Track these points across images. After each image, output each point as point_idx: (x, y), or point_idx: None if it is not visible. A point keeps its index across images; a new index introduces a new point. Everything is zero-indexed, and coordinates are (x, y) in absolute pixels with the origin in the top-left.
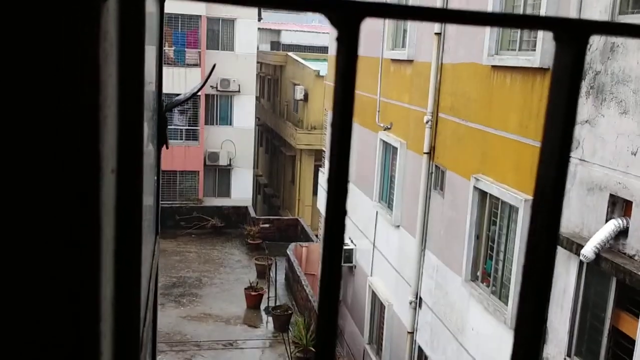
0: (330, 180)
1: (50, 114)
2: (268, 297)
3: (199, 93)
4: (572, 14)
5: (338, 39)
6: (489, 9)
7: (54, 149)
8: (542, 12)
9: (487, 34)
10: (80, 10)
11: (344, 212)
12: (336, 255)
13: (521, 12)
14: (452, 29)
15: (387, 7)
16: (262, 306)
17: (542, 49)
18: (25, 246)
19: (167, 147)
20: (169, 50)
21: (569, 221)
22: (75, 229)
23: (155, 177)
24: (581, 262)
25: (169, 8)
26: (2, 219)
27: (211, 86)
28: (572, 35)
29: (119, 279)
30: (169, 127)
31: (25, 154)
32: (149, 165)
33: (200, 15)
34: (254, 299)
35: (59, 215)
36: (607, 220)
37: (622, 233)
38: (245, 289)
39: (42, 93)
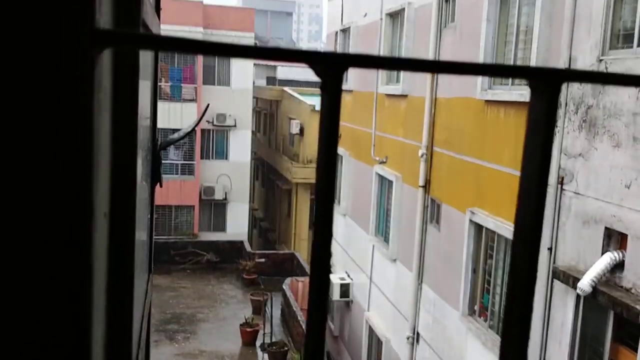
0: (316, 227)
1: (43, 163)
2: (264, 333)
3: (195, 128)
4: (564, 49)
5: (321, 88)
6: (481, 49)
7: (46, 196)
8: (534, 48)
9: None
10: (75, 62)
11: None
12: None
13: (513, 48)
14: None
15: (367, 58)
16: (258, 342)
17: None
18: (16, 290)
19: (160, 186)
20: (165, 86)
21: (565, 254)
22: (67, 273)
23: (149, 216)
24: (578, 296)
25: None
26: None
27: (207, 121)
28: (546, 84)
29: (111, 322)
30: (164, 161)
31: (18, 201)
32: (142, 204)
33: None
34: (249, 335)
35: (50, 260)
36: (602, 253)
37: (618, 266)
38: (240, 325)
39: (36, 142)
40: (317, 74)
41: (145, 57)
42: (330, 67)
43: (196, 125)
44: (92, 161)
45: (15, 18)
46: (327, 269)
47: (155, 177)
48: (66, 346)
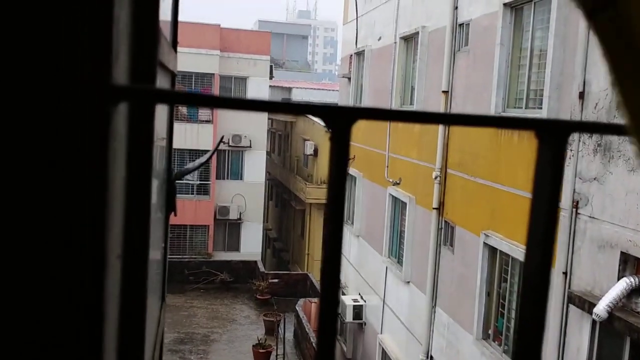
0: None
1: (58, 211)
2: (277, 355)
3: (211, 149)
4: (578, 73)
5: (331, 139)
6: (495, 72)
7: (61, 241)
8: (548, 71)
9: (494, 90)
10: (91, 118)
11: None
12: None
13: (526, 72)
14: (459, 86)
15: (373, 111)
16: None
17: (548, 106)
18: (26, 337)
19: (175, 215)
20: (182, 107)
21: (580, 279)
22: (79, 317)
23: (163, 244)
24: (594, 321)
25: (182, 66)
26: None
27: (223, 142)
28: (552, 134)
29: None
30: (180, 181)
31: (32, 248)
32: (156, 236)
33: (214, 74)
34: (262, 357)
35: (61, 303)
36: (619, 278)
37: (635, 291)
38: (253, 346)
39: (51, 195)
40: (327, 126)
41: (165, 82)
42: (340, 119)
43: (210, 157)
44: (106, 210)
45: (32, 75)
46: (336, 297)
47: (170, 207)
48: None
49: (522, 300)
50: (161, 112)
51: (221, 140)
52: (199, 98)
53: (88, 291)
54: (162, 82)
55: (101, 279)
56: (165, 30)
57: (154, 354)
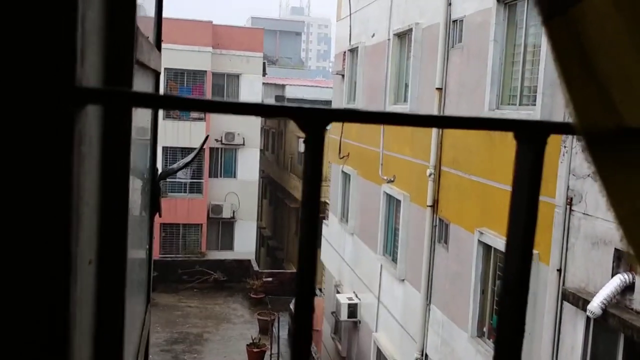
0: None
1: (18, 215)
2: (271, 354)
3: (204, 147)
4: None
5: (305, 141)
6: (488, 69)
7: (22, 246)
8: (541, 67)
9: (488, 87)
10: (54, 120)
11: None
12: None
13: (520, 68)
14: (453, 83)
15: (348, 112)
16: None
17: (542, 103)
18: None
19: (160, 216)
20: None
21: (575, 276)
22: (45, 322)
23: (148, 246)
24: (588, 318)
25: (174, 64)
26: None
27: (216, 139)
28: (531, 136)
29: None
30: (173, 180)
31: None
32: (139, 237)
33: (206, 71)
34: (256, 356)
35: (27, 308)
36: (613, 275)
37: (629, 288)
38: (247, 345)
39: (10, 196)
40: (301, 128)
41: (146, 81)
42: (314, 121)
43: (195, 156)
44: (71, 213)
45: None
46: (311, 300)
47: (154, 208)
48: None
49: (500, 302)
50: (144, 112)
51: (206, 139)
52: (170, 100)
53: (53, 297)
54: (143, 82)
55: (66, 284)
56: (148, 29)
57: (137, 357)
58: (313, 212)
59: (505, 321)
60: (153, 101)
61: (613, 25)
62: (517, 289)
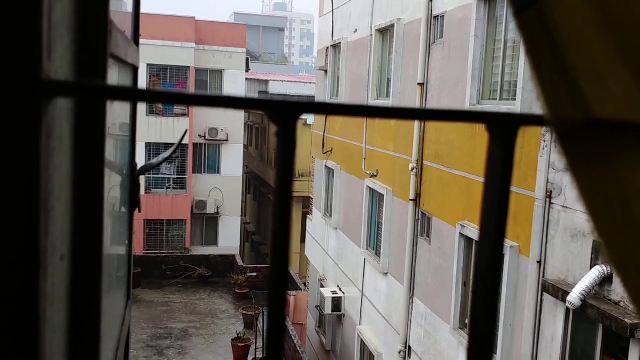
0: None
1: None
2: (255, 348)
3: (187, 143)
4: None
5: (277, 134)
6: (469, 64)
7: None
8: (522, 62)
9: (469, 82)
10: (19, 113)
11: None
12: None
13: (501, 63)
14: (435, 79)
15: (319, 105)
16: (250, 358)
17: (522, 98)
18: None
19: (139, 211)
20: None
21: (554, 268)
22: (12, 318)
23: (127, 242)
24: (568, 309)
25: (157, 59)
26: None
27: (199, 135)
28: (503, 127)
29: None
30: (157, 175)
31: None
32: (117, 233)
33: (189, 67)
34: (241, 351)
35: None
36: (591, 267)
37: (607, 279)
38: (232, 340)
39: None
40: (272, 120)
41: (124, 76)
42: (284, 113)
43: (174, 152)
44: (39, 207)
45: None
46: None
47: (133, 203)
48: None
49: (473, 294)
50: (122, 106)
51: (185, 134)
52: (137, 93)
53: (21, 292)
54: (119, 76)
55: (35, 279)
56: (125, 23)
57: (117, 354)
58: (285, 205)
59: (477, 307)
60: (122, 94)
61: (581, 16)
62: (489, 278)
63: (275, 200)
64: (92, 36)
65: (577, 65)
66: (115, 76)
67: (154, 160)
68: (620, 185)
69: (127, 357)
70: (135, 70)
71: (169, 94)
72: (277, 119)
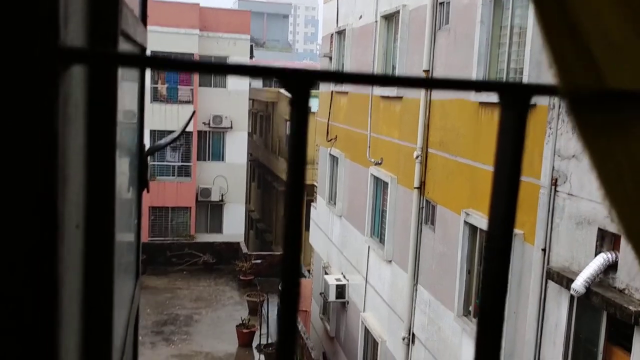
0: (285, 228)
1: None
2: (260, 334)
3: (191, 130)
4: None
5: (291, 103)
6: (475, 50)
7: (7, 211)
8: (527, 49)
9: (475, 68)
10: (38, 80)
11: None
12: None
13: (507, 50)
14: (440, 65)
15: (333, 74)
16: (254, 344)
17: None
18: None
19: (147, 191)
20: (162, 88)
21: (559, 255)
22: (31, 284)
23: (136, 221)
24: (572, 297)
25: (161, 47)
26: None
27: (203, 123)
28: (515, 98)
29: (88, 332)
30: (161, 163)
31: None
32: (125, 211)
33: (193, 54)
34: (245, 337)
35: (13, 269)
36: (596, 254)
37: (612, 267)
38: (237, 326)
39: None
40: (287, 89)
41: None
42: (299, 82)
43: (182, 132)
44: (56, 174)
45: None
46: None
47: (142, 183)
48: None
49: (485, 265)
50: (130, 86)
51: (193, 115)
52: (150, 60)
53: (40, 256)
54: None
55: (54, 243)
56: (133, 4)
57: (127, 331)
58: (299, 178)
59: (488, 283)
60: (137, 61)
61: None
62: (501, 248)
63: (289, 168)
64: (104, 11)
65: (589, 30)
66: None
67: (162, 141)
68: (631, 153)
69: (136, 335)
70: (143, 50)
71: (181, 61)
72: (292, 87)
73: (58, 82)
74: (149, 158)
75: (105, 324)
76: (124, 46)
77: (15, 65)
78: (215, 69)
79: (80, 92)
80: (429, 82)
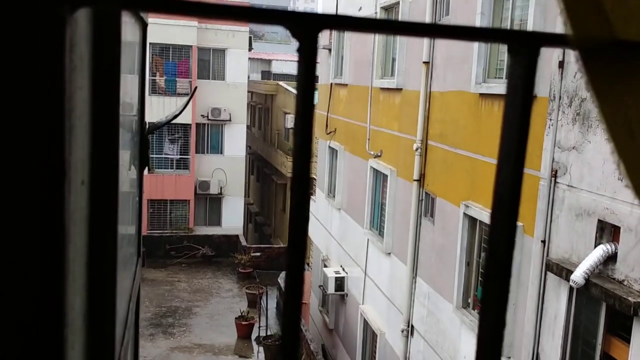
0: (293, 185)
1: (10, 121)
2: (259, 327)
3: (190, 123)
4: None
5: (298, 50)
6: (475, 50)
7: (15, 156)
8: (531, 12)
9: (475, 61)
10: (43, 23)
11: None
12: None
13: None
14: (440, 57)
15: (342, 19)
16: (253, 336)
17: None
18: None
19: (149, 171)
20: (160, 80)
21: (558, 247)
22: (38, 236)
23: (138, 199)
24: (571, 288)
25: (160, 38)
26: None
27: (202, 115)
28: (524, 47)
29: (93, 286)
30: (160, 156)
31: None
32: (128, 181)
33: (192, 46)
34: (244, 329)
35: (21, 222)
36: (595, 246)
37: (611, 258)
38: (236, 318)
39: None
40: (294, 35)
41: (133, 30)
42: (306, 27)
43: (184, 108)
44: (63, 120)
45: None
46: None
47: (143, 161)
48: (38, 309)
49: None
50: (132, 83)
51: (194, 91)
52: (152, 2)
53: (46, 207)
54: (130, 29)
55: (61, 193)
56: None
57: (129, 304)
58: (307, 125)
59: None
60: (139, 3)
61: None
62: (508, 201)
63: (296, 117)
64: None
65: None
66: (126, 28)
67: (163, 119)
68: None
69: (138, 311)
70: (144, 26)
71: (191, 3)
72: (299, 32)
73: (64, 24)
74: (149, 137)
75: (109, 285)
76: (126, 19)
77: (22, 6)
78: (218, 12)
79: (85, 46)
80: (440, 30)
